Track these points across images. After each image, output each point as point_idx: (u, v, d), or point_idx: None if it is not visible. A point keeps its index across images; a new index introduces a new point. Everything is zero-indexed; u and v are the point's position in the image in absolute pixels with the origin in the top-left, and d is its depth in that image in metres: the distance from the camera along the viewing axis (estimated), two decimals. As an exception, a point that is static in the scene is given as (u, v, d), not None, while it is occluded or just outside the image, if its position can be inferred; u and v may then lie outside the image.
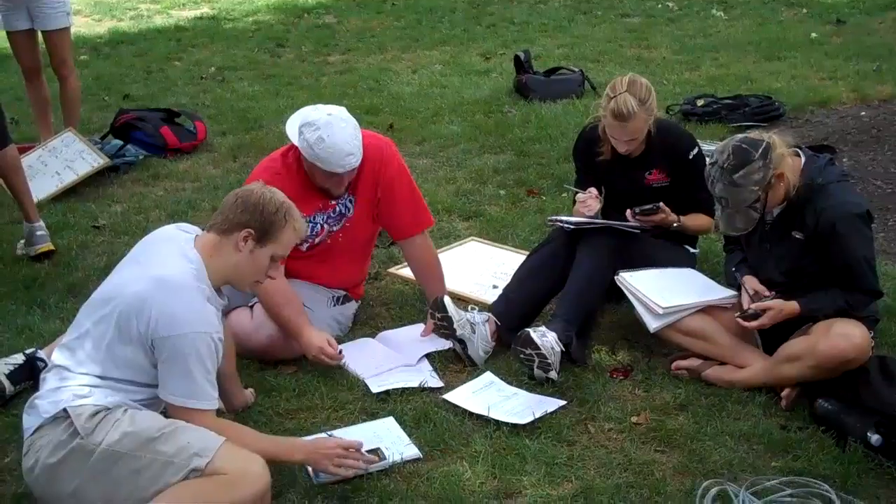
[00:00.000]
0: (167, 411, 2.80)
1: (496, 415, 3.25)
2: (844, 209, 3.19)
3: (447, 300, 3.64)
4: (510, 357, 3.57)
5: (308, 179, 3.70)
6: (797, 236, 3.30)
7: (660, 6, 10.14)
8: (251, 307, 3.69)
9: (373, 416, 3.31)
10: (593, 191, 3.82)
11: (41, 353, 3.52)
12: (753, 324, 3.31)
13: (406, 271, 4.23)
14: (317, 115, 3.58)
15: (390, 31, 9.73)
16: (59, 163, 5.59)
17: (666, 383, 3.47)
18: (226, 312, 3.31)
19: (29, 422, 2.74)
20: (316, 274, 3.84)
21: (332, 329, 3.75)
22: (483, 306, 3.86)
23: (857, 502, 2.81)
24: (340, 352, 3.55)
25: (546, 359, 3.39)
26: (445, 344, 3.69)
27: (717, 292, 3.60)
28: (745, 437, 3.14)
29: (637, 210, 3.76)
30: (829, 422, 3.13)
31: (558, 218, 3.86)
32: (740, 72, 7.45)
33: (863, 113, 6.42)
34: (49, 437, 2.66)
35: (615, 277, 3.63)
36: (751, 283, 3.44)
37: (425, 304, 3.92)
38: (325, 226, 3.79)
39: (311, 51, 9.09)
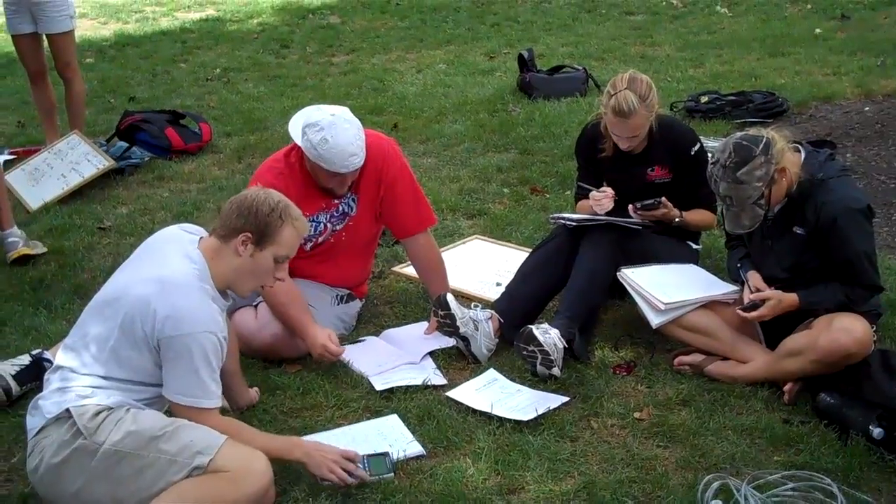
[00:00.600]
0: (170, 410, 2.82)
1: (499, 411, 3.25)
2: (845, 204, 3.19)
3: (450, 298, 3.65)
4: (513, 354, 3.58)
5: (311, 179, 3.72)
6: (798, 232, 3.30)
7: (664, 3, 10.15)
8: (255, 306, 3.71)
9: (377, 413, 3.32)
10: (609, 191, 3.81)
11: (47, 354, 3.53)
12: (753, 314, 3.31)
13: (410, 270, 4.24)
14: (320, 115, 3.59)
15: (394, 32, 9.76)
16: (64, 165, 5.61)
17: (668, 379, 3.47)
18: (230, 312, 3.33)
19: (33, 422, 2.75)
20: (320, 273, 3.85)
21: (336, 328, 3.76)
22: (486, 304, 3.86)
23: (859, 496, 2.81)
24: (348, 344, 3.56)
25: (549, 355, 3.40)
26: (449, 341, 3.70)
27: (719, 288, 3.60)
28: (748, 432, 3.14)
29: (639, 205, 3.77)
30: (831, 416, 3.13)
31: (561, 215, 3.87)
32: (744, 68, 7.45)
33: (867, 108, 6.42)
34: (53, 438, 2.68)
35: (617, 273, 3.64)
36: (754, 279, 3.44)
37: (429, 302, 3.93)
38: (329, 225, 3.81)
39: (316, 51, 9.11)
